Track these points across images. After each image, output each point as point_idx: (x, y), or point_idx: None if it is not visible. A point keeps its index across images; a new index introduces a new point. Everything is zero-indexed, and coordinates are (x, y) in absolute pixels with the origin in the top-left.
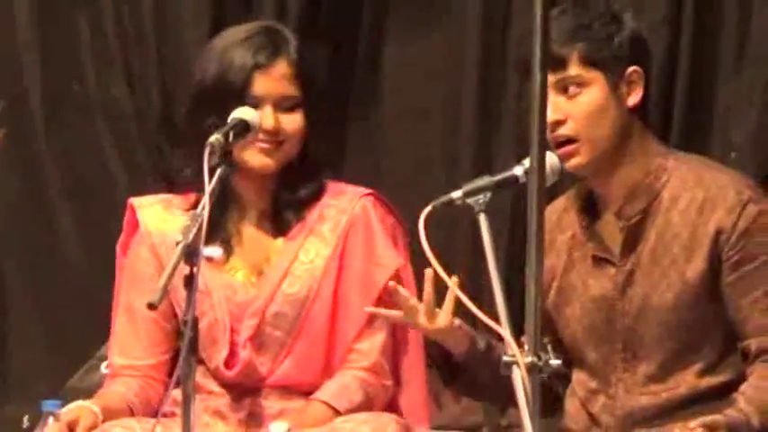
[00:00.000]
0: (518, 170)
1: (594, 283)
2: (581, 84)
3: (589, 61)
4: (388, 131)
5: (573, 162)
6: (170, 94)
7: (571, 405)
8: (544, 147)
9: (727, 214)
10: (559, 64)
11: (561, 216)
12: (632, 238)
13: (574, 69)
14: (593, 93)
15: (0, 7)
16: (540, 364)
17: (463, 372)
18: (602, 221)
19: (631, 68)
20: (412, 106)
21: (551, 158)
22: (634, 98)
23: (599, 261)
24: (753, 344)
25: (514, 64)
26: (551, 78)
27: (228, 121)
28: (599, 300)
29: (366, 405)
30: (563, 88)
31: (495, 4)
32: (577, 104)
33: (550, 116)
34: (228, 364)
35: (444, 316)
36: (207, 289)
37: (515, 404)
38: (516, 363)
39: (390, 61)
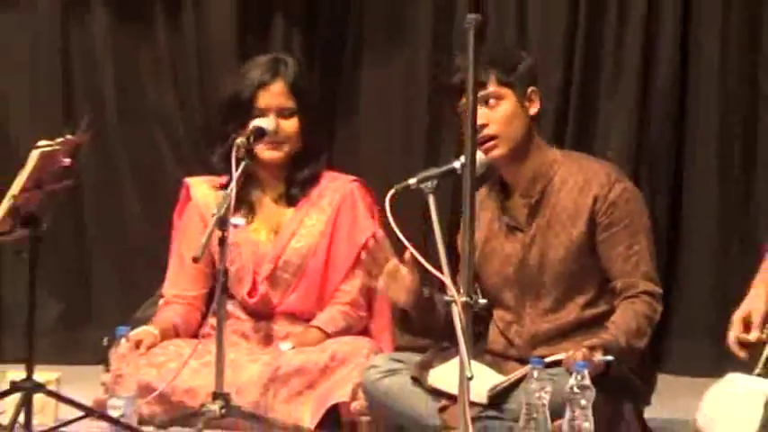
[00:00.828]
0: (456, 164)
1: (508, 245)
2: (498, 98)
3: (502, 82)
4: (365, 133)
5: (494, 153)
6: (207, 103)
7: (493, 333)
8: (475, 147)
9: (600, 189)
10: (482, 85)
11: (483, 200)
12: (533, 212)
13: (492, 87)
14: (506, 104)
15: (83, 37)
16: (472, 302)
17: (411, 318)
18: (512, 201)
19: (531, 88)
20: (382, 114)
21: (480, 156)
22: (534, 110)
23: (511, 229)
24: (618, 284)
25: (446, 88)
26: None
27: (250, 127)
28: (512, 257)
29: (347, 330)
30: (485, 101)
31: (442, 36)
32: (496, 112)
33: (478, 121)
34: (250, 295)
35: (405, 267)
36: (238, 244)
37: (451, 339)
38: (454, 301)
39: (366, 80)
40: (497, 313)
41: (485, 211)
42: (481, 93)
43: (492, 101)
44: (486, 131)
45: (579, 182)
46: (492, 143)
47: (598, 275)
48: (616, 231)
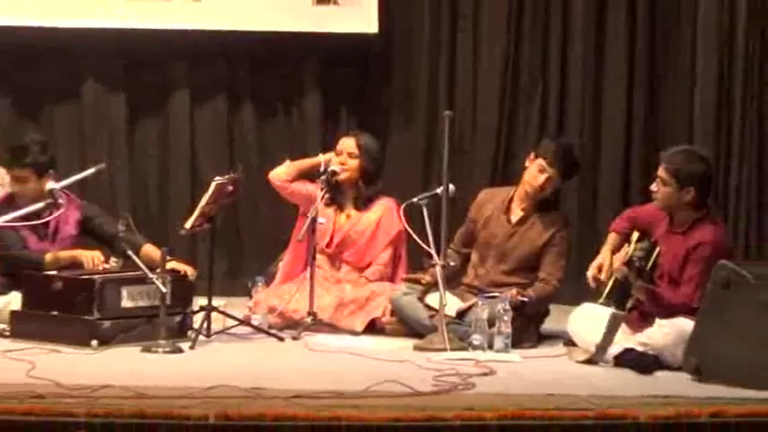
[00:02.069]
0: (439, 190)
1: (500, 228)
2: (541, 164)
3: (544, 157)
4: (397, 172)
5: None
6: None
7: (470, 274)
8: (448, 182)
9: (556, 230)
10: (538, 156)
11: (492, 201)
12: (520, 222)
13: (543, 161)
14: (548, 171)
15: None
16: (446, 264)
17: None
18: (513, 210)
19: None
20: (409, 164)
21: (452, 187)
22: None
23: (504, 223)
24: (541, 274)
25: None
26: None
27: (334, 163)
28: (498, 236)
29: (380, 279)
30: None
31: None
32: (542, 173)
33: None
34: (328, 246)
35: None
36: (328, 227)
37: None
38: (438, 264)
39: (392, 144)
40: (475, 257)
41: (497, 205)
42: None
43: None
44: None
45: (547, 222)
46: None
47: (534, 266)
48: (552, 252)
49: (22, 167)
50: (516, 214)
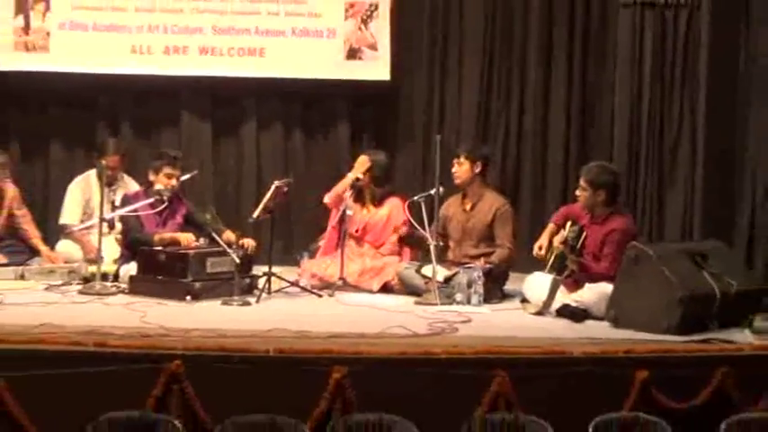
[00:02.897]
0: (432, 191)
1: (460, 219)
2: (461, 162)
3: (465, 155)
4: (402, 179)
5: (457, 183)
6: None
7: (450, 253)
8: (439, 186)
9: (498, 207)
10: (457, 155)
11: (452, 204)
12: (472, 210)
13: (462, 158)
14: (466, 165)
15: None
16: (436, 243)
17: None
18: (465, 203)
19: (479, 162)
20: (411, 173)
21: (441, 189)
22: (477, 168)
23: (461, 213)
24: (498, 241)
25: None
26: (456, 159)
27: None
28: (461, 222)
29: (391, 254)
30: (456, 162)
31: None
32: (461, 166)
33: (454, 170)
34: (357, 231)
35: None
36: (354, 218)
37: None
38: (431, 244)
39: (399, 159)
40: (452, 242)
41: (455, 204)
42: (455, 158)
43: (458, 160)
44: (455, 171)
45: (491, 202)
46: (458, 180)
47: (490, 236)
48: (498, 223)
49: (174, 167)
50: (467, 205)
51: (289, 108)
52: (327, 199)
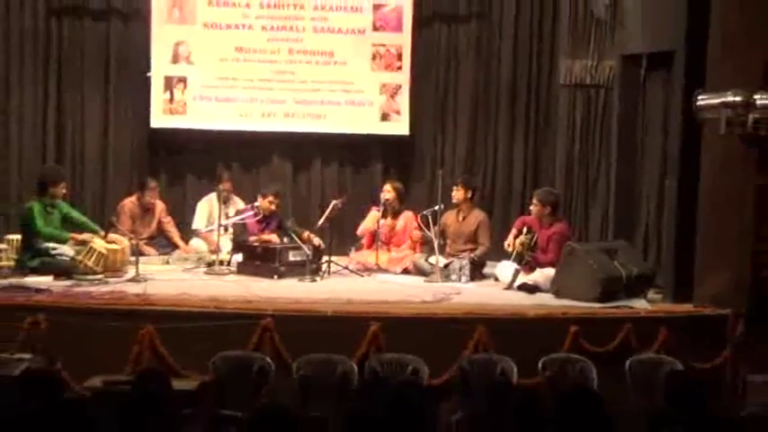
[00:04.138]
0: (436, 207)
1: (454, 226)
2: (459, 188)
3: (461, 183)
4: (415, 200)
5: (454, 201)
6: None
7: (448, 249)
8: (440, 204)
9: (481, 218)
10: (456, 183)
11: (450, 215)
12: (463, 220)
13: (460, 185)
14: (461, 190)
15: None
16: (439, 242)
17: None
18: (459, 216)
19: (470, 188)
20: (421, 196)
21: (441, 206)
22: (468, 193)
23: (456, 221)
24: (479, 242)
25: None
26: (455, 186)
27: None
28: (454, 228)
29: (408, 248)
30: (455, 187)
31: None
32: (458, 191)
33: (453, 193)
34: (384, 235)
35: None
36: (383, 227)
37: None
38: (435, 242)
39: (413, 187)
40: (449, 241)
41: (452, 215)
42: (454, 187)
43: (457, 187)
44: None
45: (474, 217)
46: (456, 200)
47: (474, 239)
48: (480, 231)
49: (275, 198)
50: (460, 217)
51: (342, 152)
52: (359, 232)
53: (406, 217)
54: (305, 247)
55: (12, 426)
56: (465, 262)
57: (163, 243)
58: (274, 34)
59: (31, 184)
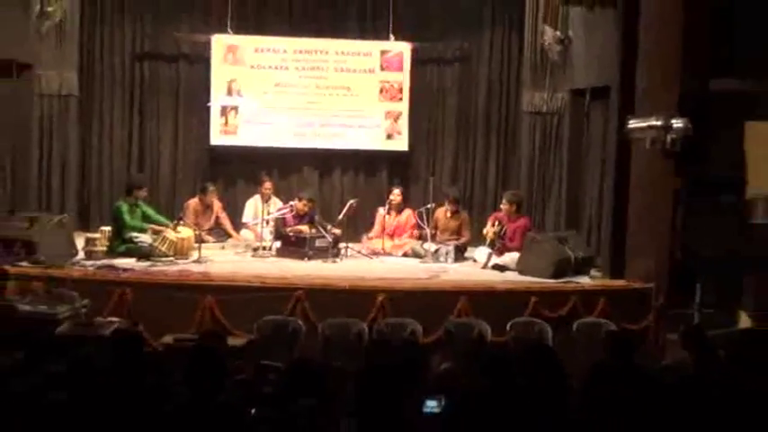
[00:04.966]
0: (429, 206)
1: (444, 220)
2: (450, 199)
3: (453, 196)
4: (412, 198)
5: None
6: None
7: (437, 238)
8: (432, 202)
9: (463, 216)
10: (446, 195)
11: (439, 211)
12: (451, 217)
13: (451, 197)
14: (452, 203)
15: None
16: (431, 233)
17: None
18: (447, 213)
19: (456, 197)
20: (418, 196)
21: (433, 204)
22: (455, 200)
23: (445, 217)
24: (462, 233)
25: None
26: (447, 198)
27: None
28: (443, 223)
29: (408, 237)
30: (447, 199)
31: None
32: (449, 203)
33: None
34: (391, 227)
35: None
36: (389, 222)
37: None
38: (427, 232)
39: (411, 189)
40: (439, 232)
41: (441, 211)
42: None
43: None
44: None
45: (459, 216)
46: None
47: (458, 232)
48: (463, 226)
49: (309, 202)
50: (448, 214)
51: (356, 164)
52: (372, 234)
53: (407, 214)
54: (328, 236)
55: (105, 373)
56: (451, 248)
57: (219, 233)
58: (305, 73)
59: (120, 188)
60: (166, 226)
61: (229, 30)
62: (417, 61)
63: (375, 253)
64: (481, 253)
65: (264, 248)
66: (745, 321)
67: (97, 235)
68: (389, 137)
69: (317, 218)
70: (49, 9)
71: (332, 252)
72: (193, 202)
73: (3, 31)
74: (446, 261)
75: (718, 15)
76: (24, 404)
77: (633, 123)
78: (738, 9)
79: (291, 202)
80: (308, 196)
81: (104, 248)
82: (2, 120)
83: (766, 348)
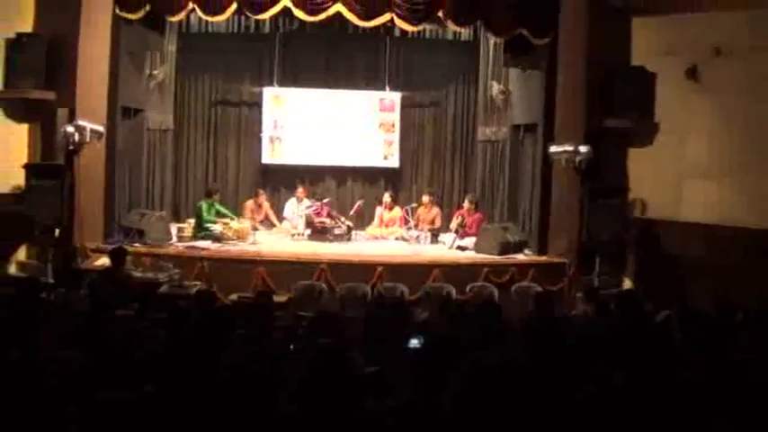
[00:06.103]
0: (413, 205)
1: (424, 214)
2: (428, 196)
3: (429, 193)
4: (404, 199)
5: (424, 202)
6: None
7: (419, 227)
8: (416, 203)
9: (437, 211)
10: (426, 192)
11: (420, 209)
12: (428, 212)
13: (427, 194)
14: (429, 197)
15: None
16: (414, 224)
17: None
18: (426, 208)
19: (433, 196)
20: (406, 200)
21: (415, 204)
22: (434, 198)
23: (425, 212)
24: (436, 224)
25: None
26: (425, 195)
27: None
28: (423, 216)
29: (399, 227)
30: (425, 196)
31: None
32: (429, 198)
33: (425, 198)
34: (387, 221)
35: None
36: (386, 216)
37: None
38: (411, 224)
39: (402, 196)
40: (420, 223)
41: (422, 208)
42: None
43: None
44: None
45: (435, 209)
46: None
47: (434, 221)
48: (436, 217)
49: (328, 203)
50: (427, 209)
51: (362, 176)
52: (373, 225)
53: (397, 210)
54: (343, 226)
55: (189, 320)
56: (428, 234)
57: (268, 224)
58: (327, 112)
59: (201, 193)
60: (231, 219)
61: (275, 84)
62: (405, 105)
63: (375, 238)
64: (449, 238)
65: (299, 234)
66: (627, 284)
67: (185, 225)
68: (385, 157)
69: (334, 213)
70: (155, 72)
71: (346, 237)
72: (250, 202)
73: (125, 87)
74: (424, 243)
75: (608, 78)
76: (140, 340)
77: (553, 149)
78: (621, 74)
79: (317, 203)
80: (328, 200)
81: (190, 234)
82: (124, 147)
83: (639, 302)
